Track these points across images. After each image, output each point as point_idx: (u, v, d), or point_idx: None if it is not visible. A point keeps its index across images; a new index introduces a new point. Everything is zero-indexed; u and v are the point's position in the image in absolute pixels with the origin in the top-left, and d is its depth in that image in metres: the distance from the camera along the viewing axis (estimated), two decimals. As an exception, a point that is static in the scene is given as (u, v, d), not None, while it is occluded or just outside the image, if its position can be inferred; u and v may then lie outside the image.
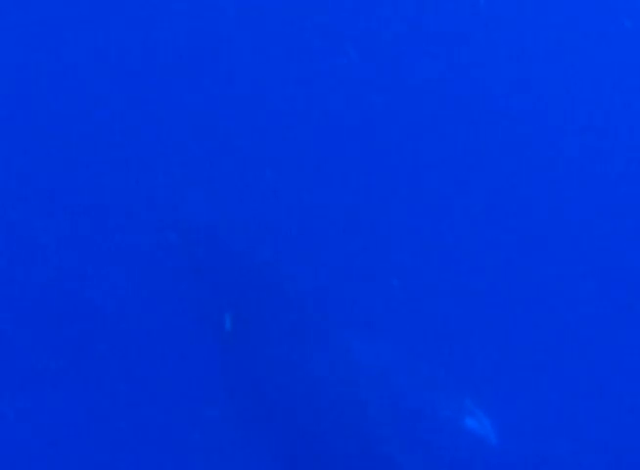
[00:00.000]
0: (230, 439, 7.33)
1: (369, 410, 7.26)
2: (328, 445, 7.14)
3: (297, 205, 8.22)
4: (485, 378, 7.62)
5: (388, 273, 8.04)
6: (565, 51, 9.17)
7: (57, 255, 7.92)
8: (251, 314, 7.47)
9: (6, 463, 7.25)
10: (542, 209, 8.52)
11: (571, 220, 8.45)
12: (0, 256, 7.89)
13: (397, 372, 7.53)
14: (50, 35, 8.55)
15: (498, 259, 8.18)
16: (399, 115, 8.68)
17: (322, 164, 8.45)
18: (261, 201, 8.20)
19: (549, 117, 8.86)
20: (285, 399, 7.27)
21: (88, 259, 7.92)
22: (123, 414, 7.43)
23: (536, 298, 8.07)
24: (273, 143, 8.45)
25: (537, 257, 8.26)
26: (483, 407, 7.42)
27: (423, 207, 8.38)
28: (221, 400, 7.38)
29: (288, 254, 7.88)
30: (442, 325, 7.80)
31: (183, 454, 7.36)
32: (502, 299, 8.02)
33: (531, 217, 8.45)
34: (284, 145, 8.45)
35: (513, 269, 8.17)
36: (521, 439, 7.39)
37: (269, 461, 7.22)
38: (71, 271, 7.88)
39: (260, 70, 8.71)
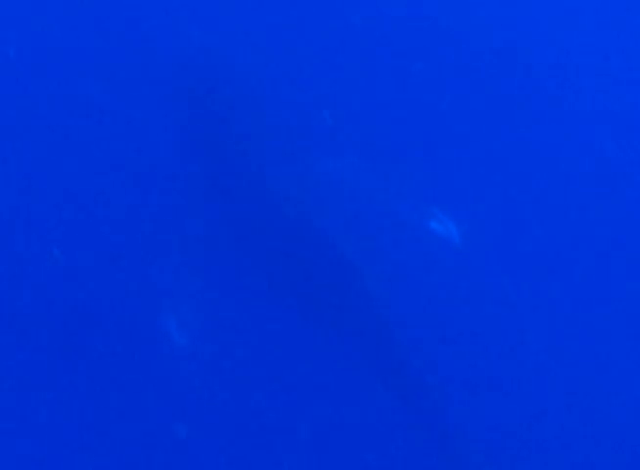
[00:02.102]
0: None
1: (332, 215, 7.57)
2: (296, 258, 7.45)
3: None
4: (451, 185, 7.93)
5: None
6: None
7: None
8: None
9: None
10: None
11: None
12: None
13: (364, 179, 7.82)
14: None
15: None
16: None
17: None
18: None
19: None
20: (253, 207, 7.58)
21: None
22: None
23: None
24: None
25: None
26: (449, 213, 7.77)
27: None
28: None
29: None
30: (412, 135, 8.10)
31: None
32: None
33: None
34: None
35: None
36: (483, 239, 7.71)
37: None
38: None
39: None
